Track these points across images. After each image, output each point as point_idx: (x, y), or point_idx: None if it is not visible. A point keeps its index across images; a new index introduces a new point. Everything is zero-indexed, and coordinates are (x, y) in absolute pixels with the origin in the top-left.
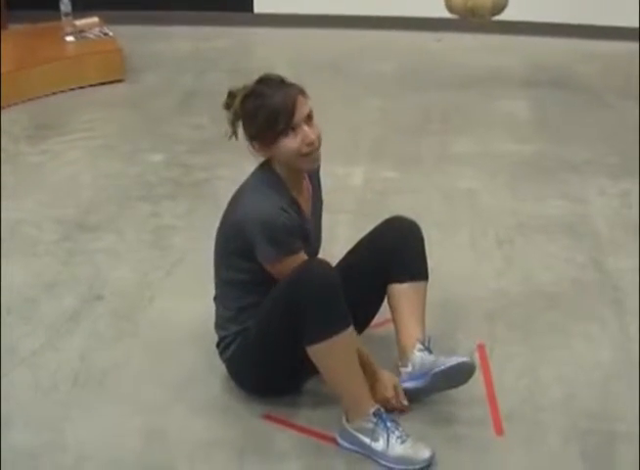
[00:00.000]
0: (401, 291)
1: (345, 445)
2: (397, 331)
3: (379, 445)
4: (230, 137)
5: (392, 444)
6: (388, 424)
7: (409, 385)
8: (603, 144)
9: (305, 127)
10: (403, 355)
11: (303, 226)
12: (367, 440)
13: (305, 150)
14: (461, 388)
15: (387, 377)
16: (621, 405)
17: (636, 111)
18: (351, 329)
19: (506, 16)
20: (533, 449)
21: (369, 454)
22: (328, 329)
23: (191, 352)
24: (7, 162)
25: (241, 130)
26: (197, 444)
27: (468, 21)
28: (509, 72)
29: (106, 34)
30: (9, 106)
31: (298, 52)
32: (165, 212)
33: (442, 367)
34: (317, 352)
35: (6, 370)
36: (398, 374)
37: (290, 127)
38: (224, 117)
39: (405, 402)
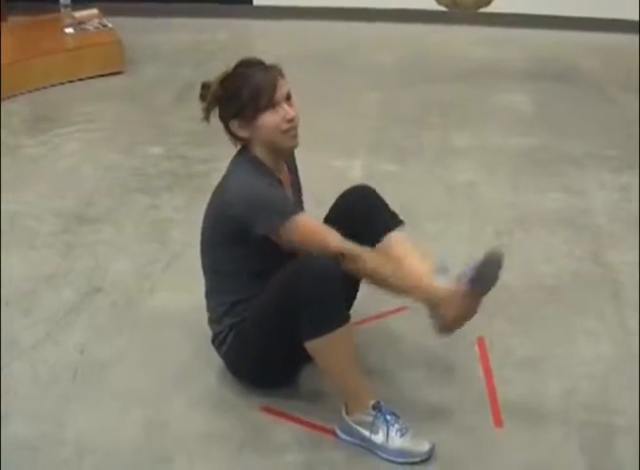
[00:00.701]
0: (384, 245)
1: (345, 437)
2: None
3: (378, 437)
4: (202, 120)
5: (392, 436)
6: (388, 417)
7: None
8: (603, 137)
9: (285, 105)
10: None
11: None
12: (367, 432)
13: (285, 126)
14: (460, 381)
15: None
16: (621, 399)
17: (637, 104)
18: (350, 324)
19: (506, 8)
20: (533, 442)
21: (369, 447)
22: (326, 325)
23: (190, 344)
24: (6, 154)
25: (214, 118)
26: (196, 436)
27: (453, 12)
28: (509, 65)
29: (105, 26)
30: (8, 98)
31: (298, 44)
32: (164, 205)
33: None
34: (315, 347)
35: (5, 363)
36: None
37: (271, 104)
38: None
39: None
